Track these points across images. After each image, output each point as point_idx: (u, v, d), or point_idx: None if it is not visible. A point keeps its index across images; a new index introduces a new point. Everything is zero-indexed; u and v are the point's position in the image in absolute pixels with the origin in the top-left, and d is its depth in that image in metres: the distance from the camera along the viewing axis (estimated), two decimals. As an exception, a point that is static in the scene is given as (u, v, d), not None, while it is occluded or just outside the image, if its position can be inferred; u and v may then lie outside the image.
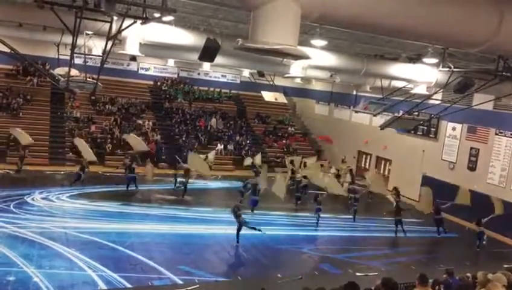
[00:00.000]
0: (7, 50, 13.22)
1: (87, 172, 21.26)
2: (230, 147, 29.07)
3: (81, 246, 13.69)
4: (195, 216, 18.09)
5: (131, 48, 13.67)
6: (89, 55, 14.97)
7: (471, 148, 21.78)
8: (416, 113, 18.28)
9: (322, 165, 26.39)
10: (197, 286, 11.69)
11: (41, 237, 14.01)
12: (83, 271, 12.04)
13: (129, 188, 20.87)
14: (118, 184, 21.46)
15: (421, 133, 24.37)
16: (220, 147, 28.51)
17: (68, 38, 14.17)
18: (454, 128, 22.75)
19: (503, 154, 20.33)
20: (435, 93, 16.98)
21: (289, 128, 32.91)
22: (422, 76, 16.46)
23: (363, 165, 28.72)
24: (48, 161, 24.09)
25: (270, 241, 15.98)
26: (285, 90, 31.12)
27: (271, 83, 24.74)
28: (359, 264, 14.48)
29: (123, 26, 10.06)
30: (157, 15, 10.81)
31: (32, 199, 18.05)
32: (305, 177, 22.92)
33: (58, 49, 17.26)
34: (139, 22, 10.11)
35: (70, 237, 14.33)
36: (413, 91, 17.65)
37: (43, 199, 18.29)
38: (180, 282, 11.95)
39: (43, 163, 23.71)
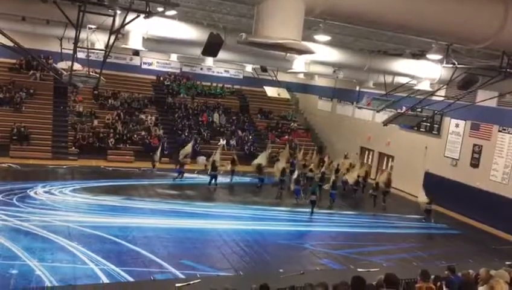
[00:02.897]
0: (10, 44, 13.20)
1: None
2: (233, 142, 29.07)
3: (83, 239, 13.73)
4: (198, 211, 18.12)
5: (135, 42, 13.65)
6: (92, 49, 14.96)
7: (474, 145, 21.74)
8: (419, 110, 18.23)
9: (323, 161, 26.45)
10: (199, 280, 11.71)
11: (44, 231, 14.06)
12: (85, 265, 12.07)
13: (210, 185, 21.75)
14: (119, 178, 21.57)
15: (424, 129, 24.33)
16: (222, 142, 28.51)
17: (71, 32, 14.22)
18: (457, 125, 22.70)
19: (506, 151, 20.29)
20: (439, 89, 16.92)
21: (292, 124, 32.88)
22: (426, 72, 16.40)
23: (365, 161, 28.66)
24: (51, 155, 24.14)
25: (272, 237, 16.02)
26: (288, 86, 31.07)
27: (274, 78, 24.71)
28: (361, 260, 14.48)
29: (126, 21, 10.03)
30: (160, 9, 10.80)
31: (35, 193, 18.10)
32: (311, 170, 23.75)
33: (61, 43, 17.28)
34: (142, 16, 10.09)
35: (73, 231, 14.37)
36: (416, 87, 17.59)
37: (45, 192, 18.34)
38: (182, 276, 11.98)
39: (45, 157, 23.77)
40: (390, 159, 27.02)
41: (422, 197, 20.66)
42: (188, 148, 24.29)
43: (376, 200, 21.82)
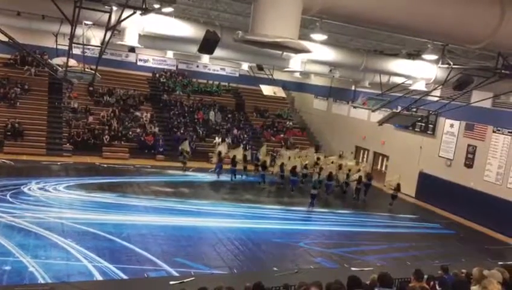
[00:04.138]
0: (5, 39, 13.12)
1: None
2: (228, 140, 29.04)
3: (77, 236, 13.68)
4: (192, 209, 18.09)
5: (131, 39, 13.58)
6: (88, 45, 14.92)
7: (469, 145, 21.83)
8: (414, 110, 18.28)
9: (319, 158, 26.55)
10: (193, 278, 11.70)
11: (38, 227, 13.99)
12: (78, 262, 12.03)
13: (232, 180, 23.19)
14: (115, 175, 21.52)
15: (418, 129, 24.40)
16: (217, 140, 28.47)
17: (67, 28, 14.13)
18: (452, 125, 22.78)
19: (500, 152, 20.39)
20: (434, 89, 16.99)
21: (287, 123, 32.90)
22: (422, 72, 16.45)
23: (360, 161, 28.72)
24: (45, 151, 24.01)
25: (266, 235, 16.02)
26: (284, 85, 31.08)
27: (270, 76, 24.71)
28: (355, 259, 14.52)
29: (122, 17, 10.00)
30: (157, 6, 10.77)
31: (29, 189, 18.01)
32: (305, 167, 24.29)
33: (56, 39, 17.20)
34: (138, 12, 10.06)
35: (67, 228, 14.31)
36: (412, 87, 17.65)
37: (39, 189, 18.25)
38: (176, 274, 11.96)
39: (40, 153, 23.64)
40: (385, 159, 27.10)
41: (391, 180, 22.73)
42: (223, 147, 25.03)
43: (360, 194, 22.43)
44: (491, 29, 6.10)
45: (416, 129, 24.41)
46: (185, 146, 25.00)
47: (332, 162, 25.27)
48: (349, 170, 23.84)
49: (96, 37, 15.36)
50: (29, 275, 11.00)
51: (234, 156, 23.60)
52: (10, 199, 16.47)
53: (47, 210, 15.81)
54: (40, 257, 12.00)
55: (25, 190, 17.89)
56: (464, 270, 9.32)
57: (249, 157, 25.13)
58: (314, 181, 21.86)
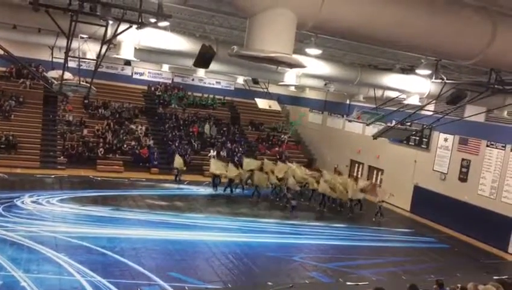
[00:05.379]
0: (1, 52, 13.13)
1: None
2: (223, 153, 29.03)
3: (70, 250, 13.55)
4: (187, 222, 18.00)
5: (126, 52, 13.64)
6: (83, 58, 14.94)
7: (463, 159, 21.93)
8: (408, 124, 18.40)
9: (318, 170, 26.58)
10: (187, 293, 11.61)
11: (30, 241, 13.85)
12: (71, 276, 11.90)
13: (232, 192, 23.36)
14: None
15: (413, 143, 24.50)
16: (212, 153, 28.44)
17: (63, 42, 14.20)
18: (446, 139, 22.91)
19: (494, 166, 20.49)
20: (428, 104, 17.13)
21: (282, 136, 32.95)
22: (415, 87, 16.60)
23: (355, 174, 28.78)
24: (39, 164, 23.88)
25: (261, 249, 15.95)
26: (279, 98, 31.20)
27: (265, 90, 24.83)
28: (350, 274, 14.45)
29: (118, 31, 10.05)
30: (152, 20, 10.83)
31: (22, 202, 17.86)
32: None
33: (52, 52, 17.24)
34: (134, 26, 10.11)
35: (60, 242, 14.18)
36: (406, 102, 17.79)
37: (32, 202, 18.11)
38: (170, 289, 11.85)
39: (33, 166, 23.51)
40: (380, 173, 27.14)
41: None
42: (217, 162, 24.79)
43: (354, 207, 22.39)
44: (483, 46, 6.19)
45: (410, 143, 24.51)
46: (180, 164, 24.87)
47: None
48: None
49: (92, 50, 15.40)
50: (21, 290, 10.87)
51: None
52: (3, 212, 16.31)
53: (40, 224, 15.67)
54: (32, 271, 11.87)
55: (18, 203, 17.74)
56: (459, 285, 9.27)
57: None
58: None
